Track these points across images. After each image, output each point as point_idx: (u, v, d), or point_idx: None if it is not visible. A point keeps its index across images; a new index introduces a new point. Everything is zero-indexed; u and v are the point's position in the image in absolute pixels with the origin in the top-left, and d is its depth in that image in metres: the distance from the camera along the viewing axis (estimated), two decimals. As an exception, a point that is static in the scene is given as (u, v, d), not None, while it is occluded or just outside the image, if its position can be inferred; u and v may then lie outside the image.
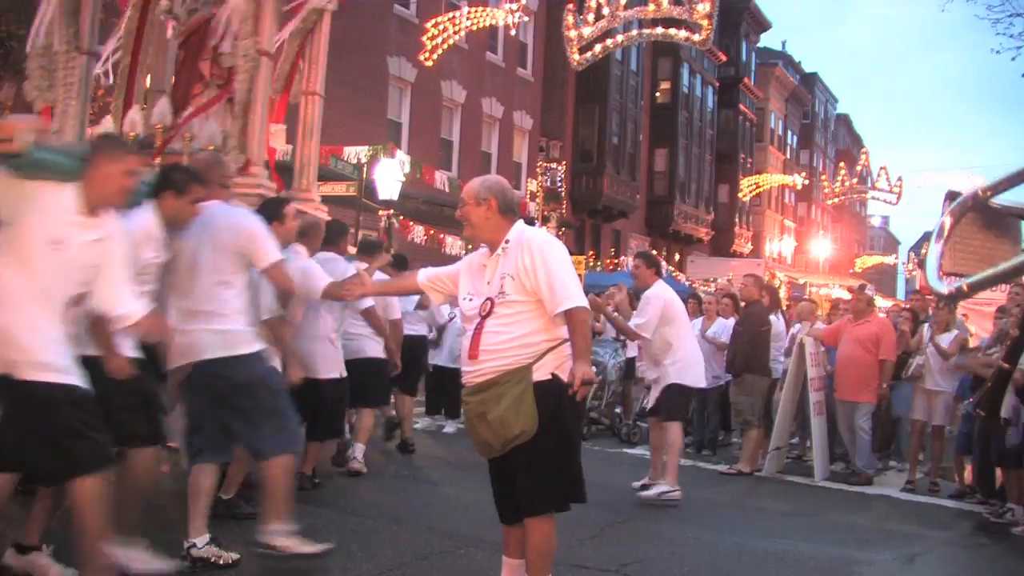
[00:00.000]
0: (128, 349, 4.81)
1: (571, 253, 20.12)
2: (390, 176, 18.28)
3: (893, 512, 8.93)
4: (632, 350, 13.66)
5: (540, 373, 4.43)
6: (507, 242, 4.62)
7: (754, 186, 45.76)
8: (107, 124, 9.45)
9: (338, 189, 19.30)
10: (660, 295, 8.35)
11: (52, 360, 4.25)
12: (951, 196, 7.50)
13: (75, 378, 4.28)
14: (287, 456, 5.28)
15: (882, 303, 18.97)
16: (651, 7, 17.80)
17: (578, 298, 4.44)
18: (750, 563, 6.50)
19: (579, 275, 16.50)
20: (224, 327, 5.19)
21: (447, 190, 23.48)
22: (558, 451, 4.49)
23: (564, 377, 4.38)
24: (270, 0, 8.25)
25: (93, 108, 22.73)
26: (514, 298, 4.50)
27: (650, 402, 8.68)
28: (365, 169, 18.80)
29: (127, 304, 4.54)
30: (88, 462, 4.26)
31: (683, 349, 8.45)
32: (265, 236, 5.39)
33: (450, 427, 11.95)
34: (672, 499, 8.08)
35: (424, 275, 5.13)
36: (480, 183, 4.80)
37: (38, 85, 8.44)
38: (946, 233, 7.00)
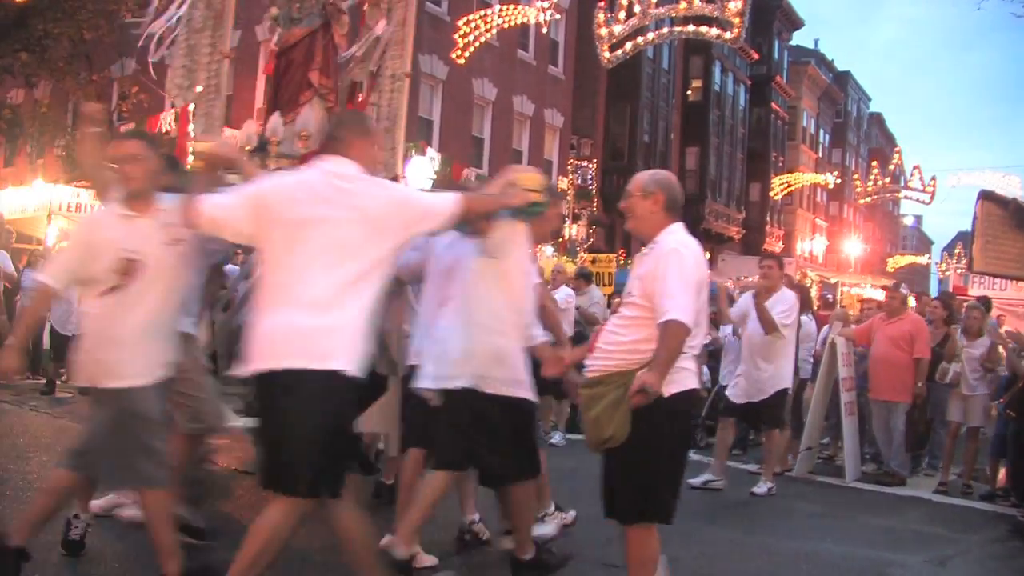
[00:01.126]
0: None
1: (601, 251, 20.17)
2: (421, 173, 18.33)
3: (925, 514, 8.87)
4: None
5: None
6: (655, 243, 4.55)
7: (786, 185, 45.49)
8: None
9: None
10: (791, 297, 8.61)
11: (524, 378, 5.03)
12: (985, 195, 7.48)
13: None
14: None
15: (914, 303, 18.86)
16: (682, 5, 17.71)
17: (678, 311, 4.22)
18: (781, 563, 6.48)
19: (609, 273, 16.47)
20: None
21: (441, 169, 23.49)
22: (644, 464, 4.38)
23: (666, 389, 4.25)
24: (413, 27, 9.29)
25: (126, 105, 23.03)
26: (637, 301, 4.47)
27: (738, 399, 8.98)
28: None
29: None
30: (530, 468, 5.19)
31: (791, 354, 8.75)
32: None
33: None
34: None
35: None
36: (650, 176, 4.71)
37: (180, 84, 8.62)
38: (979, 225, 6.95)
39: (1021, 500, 9.00)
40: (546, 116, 31.49)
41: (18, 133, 24.18)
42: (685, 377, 4.38)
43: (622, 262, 24.16)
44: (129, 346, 4.47)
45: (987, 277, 17.69)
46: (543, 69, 31.45)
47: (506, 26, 23.16)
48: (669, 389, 4.26)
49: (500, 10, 23.02)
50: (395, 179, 8.26)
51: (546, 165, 31.59)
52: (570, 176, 29.89)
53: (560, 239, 26.95)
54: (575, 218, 28.02)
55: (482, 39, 22.85)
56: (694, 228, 39.62)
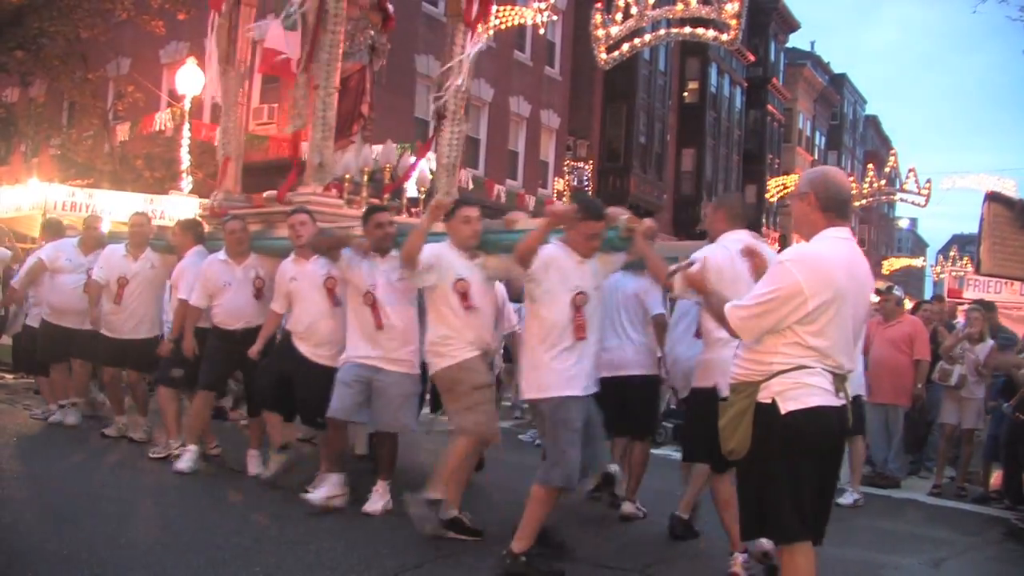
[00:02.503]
0: None
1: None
2: (418, 175, 18.28)
3: (920, 516, 8.89)
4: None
5: (764, 394, 4.13)
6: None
7: (781, 187, 45.48)
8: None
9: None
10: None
11: None
12: (992, 196, 7.47)
13: None
14: None
15: (909, 306, 18.84)
16: (679, 6, 17.67)
17: (737, 321, 4.20)
18: (773, 565, 6.46)
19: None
20: None
21: (472, 188, 23.51)
22: (755, 480, 4.26)
23: (784, 406, 4.07)
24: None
25: (122, 104, 23.01)
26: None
27: None
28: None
29: None
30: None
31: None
32: None
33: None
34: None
35: None
36: (805, 174, 4.45)
37: (297, 114, 9.27)
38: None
39: (1015, 503, 9.01)
40: (542, 117, 31.47)
41: (13, 132, 24.17)
42: (808, 393, 4.07)
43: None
44: None
45: (983, 280, 17.71)
46: (540, 70, 31.45)
47: (503, 27, 23.18)
48: (787, 405, 4.07)
49: (497, 11, 23.01)
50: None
51: (542, 166, 31.59)
52: (566, 177, 29.87)
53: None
54: (571, 219, 27.97)
55: (479, 40, 22.84)
56: (690, 229, 39.83)
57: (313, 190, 8.69)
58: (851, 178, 51.25)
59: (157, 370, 8.61)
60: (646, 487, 7.56)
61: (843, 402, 4.14)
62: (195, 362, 8.09)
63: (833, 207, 4.22)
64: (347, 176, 9.10)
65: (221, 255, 8.06)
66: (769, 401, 4.09)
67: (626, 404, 7.10)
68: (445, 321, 6.36)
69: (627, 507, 7.46)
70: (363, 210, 7.79)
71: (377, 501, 6.80)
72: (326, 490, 6.83)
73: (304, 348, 7.33)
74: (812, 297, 4.01)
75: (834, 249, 4.15)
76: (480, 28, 10.30)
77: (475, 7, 10.25)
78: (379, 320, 6.79)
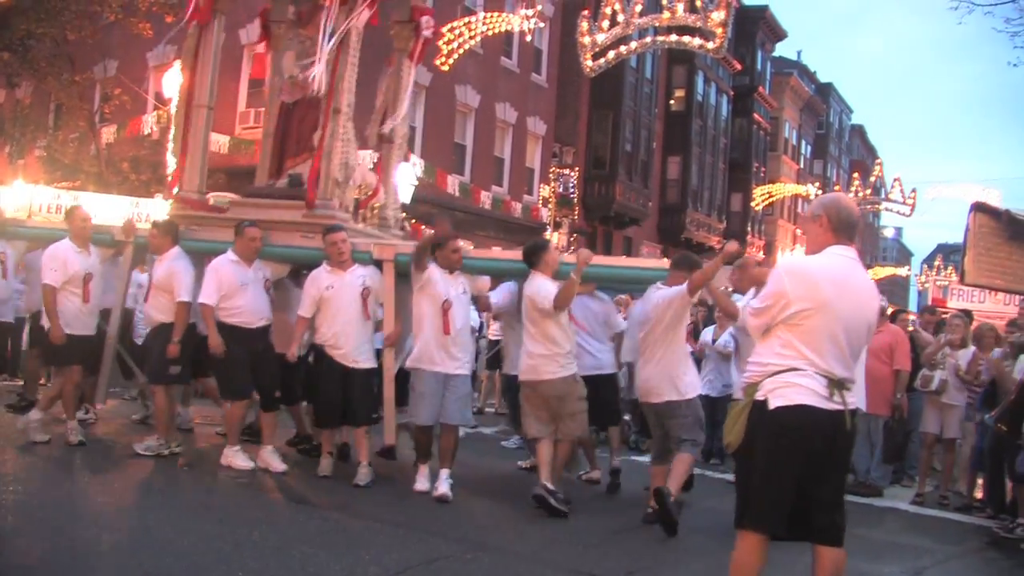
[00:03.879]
0: None
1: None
2: (403, 180, 18.29)
3: (902, 525, 8.91)
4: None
5: (760, 393, 4.44)
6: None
7: (767, 195, 45.67)
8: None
9: (351, 192, 19.33)
10: None
11: None
12: (978, 207, 7.50)
13: None
14: None
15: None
16: (666, 14, 17.71)
17: (747, 320, 4.75)
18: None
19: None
20: None
21: (458, 194, 23.54)
22: (742, 468, 4.61)
23: (772, 403, 4.35)
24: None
25: (109, 107, 22.92)
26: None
27: None
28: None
29: None
30: None
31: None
32: None
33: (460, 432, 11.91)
34: None
35: None
36: (819, 199, 4.80)
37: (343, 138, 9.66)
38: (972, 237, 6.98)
39: (997, 512, 9.04)
40: (529, 124, 31.50)
41: (-2, 133, 24.04)
42: (795, 392, 4.32)
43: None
44: None
45: (967, 290, 17.77)
46: (526, 77, 31.48)
47: (490, 33, 23.19)
48: (775, 402, 4.34)
49: (484, 18, 23.03)
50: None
51: (528, 173, 31.62)
52: (552, 184, 29.90)
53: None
54: (556, 226, 28.03)
55: (466, 46, 22.85)
56: (675, 237, 39.90)
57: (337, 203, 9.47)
58: (837, 187, 51.50)
59: (151, 370, 8.69)
60: (627, 493, 7.55)
61: (838, 406, 4.34)
62: (188, 360, 8.55)
63: (843, 229, 4.56)
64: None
65: (232, 256, 8.43)
66: (762, 398, 4.39)
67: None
68: (557, 339, 7.67)
69: (594, 474, 9.38)
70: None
71: (444, 483, 7.80)
72: (428, 479, 7.99)
73: (339, 357, 8.14)
74: (795, 302, 4.35)
75: (829, 264, 4.48)
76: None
77: (419, 46, 11.02)
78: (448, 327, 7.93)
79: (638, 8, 18.13)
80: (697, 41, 18.18)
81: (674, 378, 7.57)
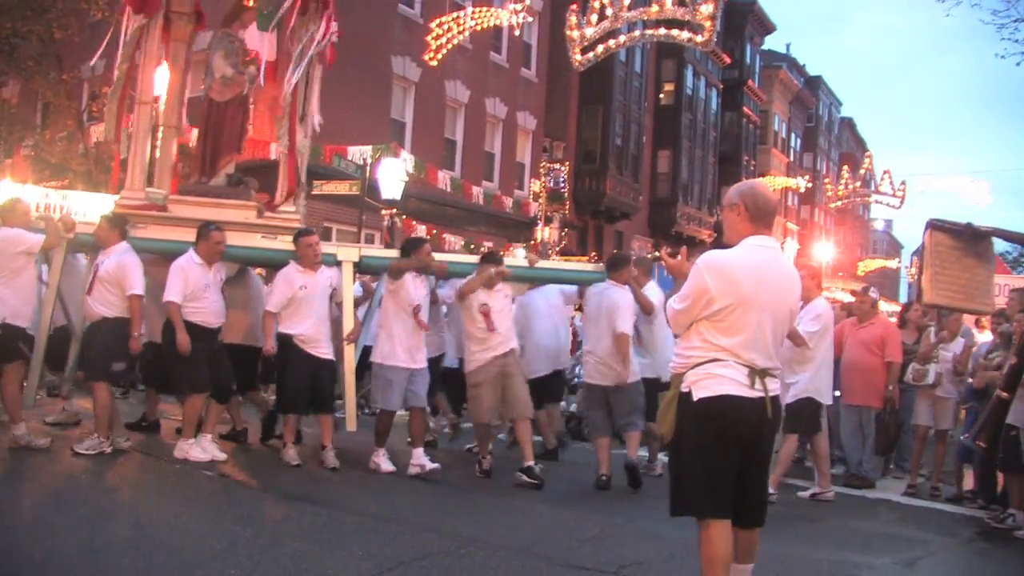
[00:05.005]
0: None
1: (573, 254, 20.43)
2: (394, 176, 18.33)
3: (894, 516, 8.93)
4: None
5: (684, 384, 4.57)
6: None
7: (757, 189, 45.64)
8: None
9: (341, 188, 19.34)
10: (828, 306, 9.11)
11: None
12: (934, 225, 7.52)
13: None
14: None
15: (885, 307, 18.91)
16: (654, 8, 17.71)
17: (670, 313, 4.76)
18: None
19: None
20: None
21: (449, 190, 23.52)
22: (675, 460, 4.72)
23: (696, 394, 4.49)
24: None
25: (97, 105, 22.85)
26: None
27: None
28: (368, 168, 18.82)
29: None
30: None
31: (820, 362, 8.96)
32: None
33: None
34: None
35: None
36: (736, 187, 4.87)
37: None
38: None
39: (988, 503, 9.07)
40: (519, 119, 31.50)
41: (-14, 132, 23.96)
42: (718, 383, 4.48)
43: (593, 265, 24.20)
44: None
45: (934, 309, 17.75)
46: (516, 72, 31.47)
47: (479, 28, 23.20)
48: (698, 393, 4.49)
49: (473, 12, 23.05)
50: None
51: (519, 168, 31.63)
52: (542, 179, 29.90)
53: (532, 242, 26.97)
54: (547, 221, 28.04)
55: (455, 41, 22.86)
56: (666, 231, 39.98)
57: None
58: (827, 179, 51.60)
59: (91, 365, 8.52)
60: (620, 487, 7.53)
61: (759, 394, 4.50)
62: (135, 357, 8.81)
63: (760, 217, 4.67)
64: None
65: (196, 258, 8.60)
66: (687, 390, 4.55)
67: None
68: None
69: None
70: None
71: (425, 459, 8.66)
72: (422, 459, 8.65)
73: (311, 349, 8.75)
74: (719, 297, 4.48)
75: (748, 257, 4.60)
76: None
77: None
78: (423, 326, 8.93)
79: (626, 2, 18.13)
80: (686, 35, 18.18)
81: (617, 365, 8.88)
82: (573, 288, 10.19)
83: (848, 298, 18.89)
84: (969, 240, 7.50)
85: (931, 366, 10.00)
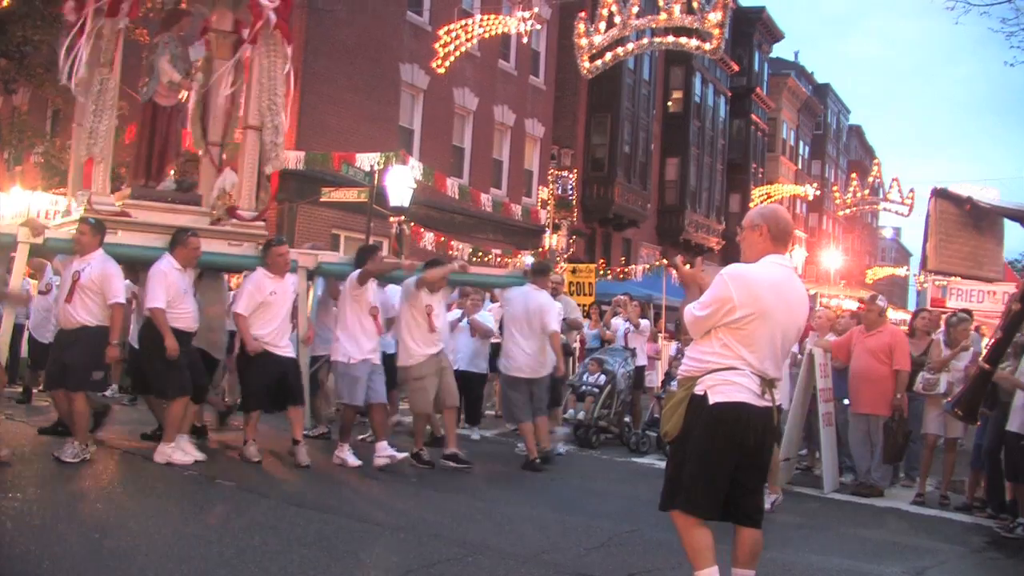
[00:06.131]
0: None
1: (581, 261, 20.37)
2: (402, 183, 18.33)
3: (903, 525, 8.90)
4: (642, 359, 13.65)
5: (699, 387, 4.78)
6: None
7: (765, 196, 45.60)
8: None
9: (349, 195, 19.36)
10: None
11: None
12: (939, 193, 7.49)
13: None
14: None
15: (893, 315, 18.87)
16: (662, 16, 17.70)
17: (689, 319, 4.92)
18: (759, 574, 6.47)
19: (589, 283, 16.78)
20: None
21: (457, 197, 23.51)
22: (677, 456, 4.90)
23: (712, 398, 4.69)
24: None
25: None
26: None
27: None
28: (377, 176, 18.84)
29: None
30: None
31: None
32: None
33: (475, 434, 11.96)
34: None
35: None
36: (758, 209, 5.16)
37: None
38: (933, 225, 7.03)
39: (998, 511, 9.04)
40: (527, 126, 31.52)
41: (-4, 140, 24.02)
42: (733, 390, 4.69)
43: (602, 272, 24.19)
44: None
45: (966, 290, 17.74)
46: (524, 79, 31.49)
47: (487, 36, 23.18)
48: (715, 398, 4.70)
49: (481, 20, 23.03)
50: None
51: (527, 175, 31.65)
52: (550, 186, 29.88)
53: (540, 249, 26.97)
54: (555, 228, 28.02)
55: (463, 49, 22.85)
56: (674, 239, 39.99)
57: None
58: (835, 187, 51.47)
59: (72, 374, 8.36)
60: (628, 495, 7.55)
61: (768, 403, 4.77)
62: (111, 365, 8.88)
63: (780, 238, 4.96)
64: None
65: (176, 263, 8.79)
66: (702, 393, 4.75)
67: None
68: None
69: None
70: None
71: (391, 450, 9.33)
72: (388, 450, 9.31)
73: (276, 349, 9.14)
74: (740, 307, 4.69)
75: (769, 272, 4.84)
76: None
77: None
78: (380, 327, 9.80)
79: (635, 9, 18.13)
80: (694, 42, 18.18)
81: (541, 360, 10.11)
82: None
83: (854, 306, 18.88)
84: (971, 212, 7.51)
85: (943, 376, 9.98)
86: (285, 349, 9.28)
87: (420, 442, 9.75)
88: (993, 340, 7.89)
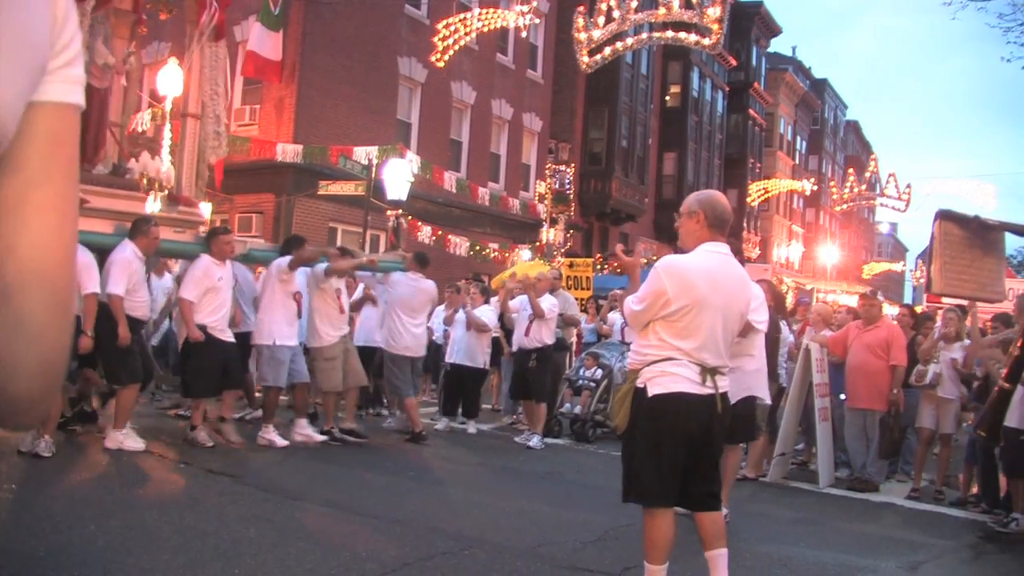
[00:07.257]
0: None
1: (578, 255, 20.39)
2: (399, 176, 18.30)
3: (897, 520, 8.92)
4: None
5: (640, 380, 4.87)
6: None
7: (762, 191, 45.67)
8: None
9: (347, 188, 19.35)
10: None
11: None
12: (943, 215, 7.52)
13: None
14: None
15: (889, 310, 18.88)
16: (661, 10, 17.72)
17: (627, 313, 5.08)
18: (753, 568, 6.50)
19: (587, 277, 16.78)
20: None
21: (455, 191, 23.52)
22: (629, 450, 5.00)
23: (651, 390, 4.77)
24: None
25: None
26: None
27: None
28: (374, 169, 18.82)
29: None
30: None
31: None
32: None
33: (472, 428, 11.96)
34: None
35: None
36: (695, 196, 5.22)
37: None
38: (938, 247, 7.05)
39: (992, 506, 9.06)
40: (525, 120, 31.49)
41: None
42: (672, 381, 4.76)
43: (599, 267, 24.20)
44: None
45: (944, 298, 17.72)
46: (522, 73, 31.45)
47: (485, 30, 23.18)
48: (653, 390, 4.77)
49: (479, 14, 23.02)
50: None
51: (524, 169, 31.63)
52: (548, 180, 29.88)
53: (537, 243, 26.97)
54: (552, 222, 28.02)
55: (461, 42, 22.85)
56: (671, 233, 40.08)
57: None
58: (832, 182, 51.51)
59: None
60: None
61: (710, 391, 4.81)
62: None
63: (717, 225, 5.02)
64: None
65: (138, 252, 8.84)
66: (642, 386, 4.85)
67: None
68: None
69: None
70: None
71: (309, 428, 10.14)
72: (307, 428, 10.12)
73: (221, 335, 9.36)
74: (675, 300, 4.75)
75: (703, 262, 4.92)
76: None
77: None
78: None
79: (634, 4, 18.14)
80: (693, 37, 18.21)
81: (423, 341, 11.38)
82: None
83: (852, 301, 18.89)
84: (978, 230, 7.52)
85: (930, 366, 10.00)
86: (227, 335, 9.50)
87: (331, 421, 10.33)
88: (1011, 359, 7.90)
